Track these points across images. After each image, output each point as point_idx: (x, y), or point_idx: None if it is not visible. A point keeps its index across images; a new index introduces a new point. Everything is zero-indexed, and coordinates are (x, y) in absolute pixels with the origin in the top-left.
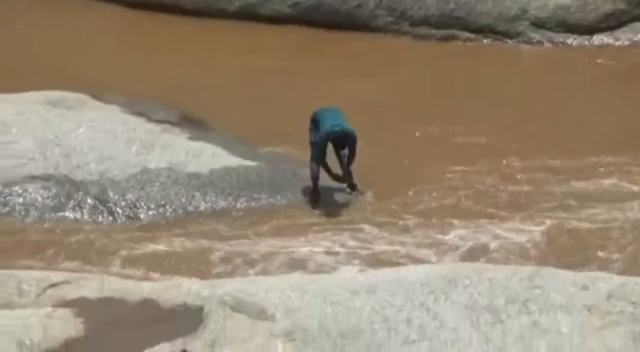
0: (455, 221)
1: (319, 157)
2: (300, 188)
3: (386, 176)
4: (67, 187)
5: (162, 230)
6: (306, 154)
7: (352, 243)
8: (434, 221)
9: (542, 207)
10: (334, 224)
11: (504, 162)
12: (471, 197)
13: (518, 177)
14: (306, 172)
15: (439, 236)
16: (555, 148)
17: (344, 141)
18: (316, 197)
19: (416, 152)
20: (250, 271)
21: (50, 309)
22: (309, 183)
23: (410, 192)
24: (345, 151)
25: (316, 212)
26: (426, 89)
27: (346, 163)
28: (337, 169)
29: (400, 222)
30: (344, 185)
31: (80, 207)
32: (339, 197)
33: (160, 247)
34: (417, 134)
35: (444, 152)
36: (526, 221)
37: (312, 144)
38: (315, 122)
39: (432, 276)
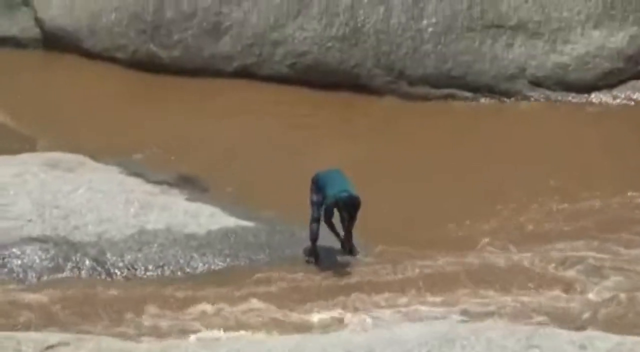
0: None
1: (326, 219)
2: (299, 249)
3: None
4: (65, 249)
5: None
6: (305, 216)
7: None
8: None
9: None
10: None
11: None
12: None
13: None
14: (305, 234)
15: None
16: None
17: (350, 206)
18: (316, 257)
19: (417, 209)
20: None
21: None
22: (308, 243)
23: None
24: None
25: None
26: (425, 147)
27: (347, 226)
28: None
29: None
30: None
31: (79, 269)
32: (339, 258)
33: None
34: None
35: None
36: None
37: (313, 204)
38: (318, 185)
39: (429, 335)
